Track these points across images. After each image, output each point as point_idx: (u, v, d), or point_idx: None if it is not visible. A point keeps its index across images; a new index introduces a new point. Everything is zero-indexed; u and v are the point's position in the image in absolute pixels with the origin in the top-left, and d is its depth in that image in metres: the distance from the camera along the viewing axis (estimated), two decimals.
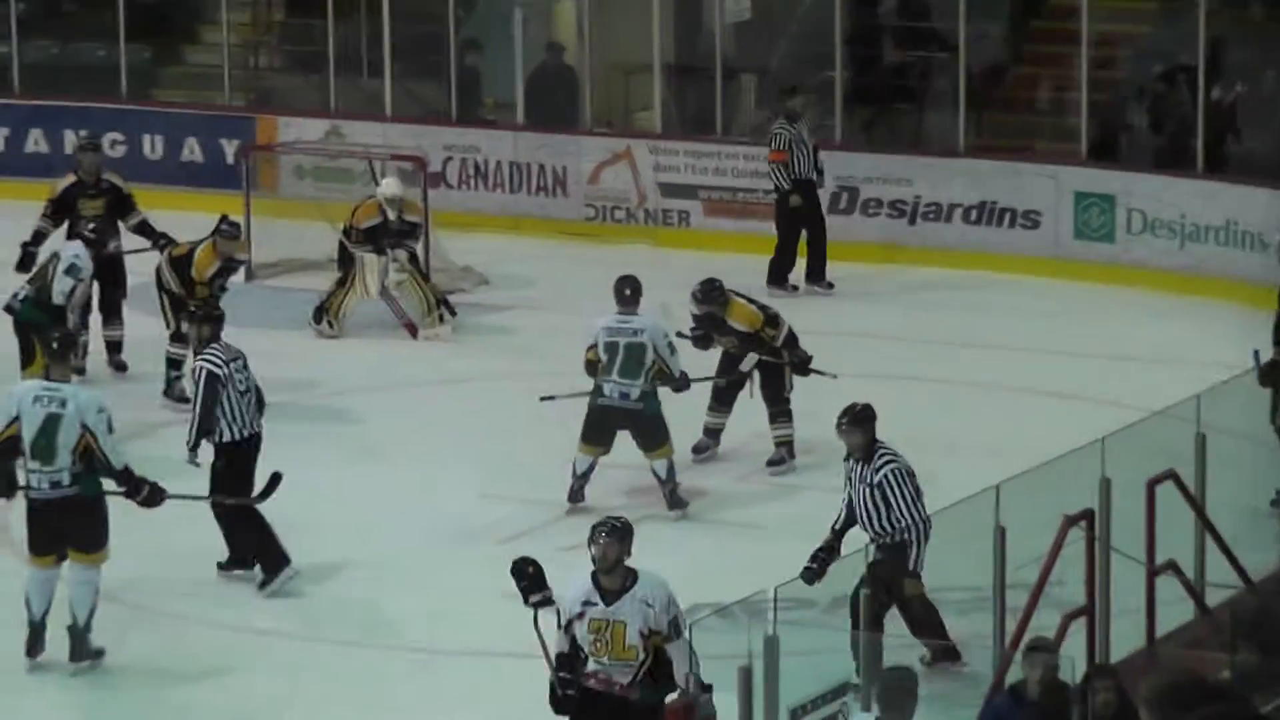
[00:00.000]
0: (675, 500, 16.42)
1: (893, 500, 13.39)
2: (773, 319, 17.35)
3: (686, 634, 10.81)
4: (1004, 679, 11.33)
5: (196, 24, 28.14)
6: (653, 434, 16.72)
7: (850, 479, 13.59)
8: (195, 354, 16.19)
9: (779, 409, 17.17)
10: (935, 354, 21.17)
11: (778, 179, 21.64)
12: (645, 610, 10.74)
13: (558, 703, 10.83)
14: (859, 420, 13.64)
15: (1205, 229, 22.47)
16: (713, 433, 17.53)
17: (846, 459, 13.81)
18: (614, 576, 10.76)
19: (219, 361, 15.83)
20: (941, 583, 13.69)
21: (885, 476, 13.43)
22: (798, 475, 17.63)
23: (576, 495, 16.52)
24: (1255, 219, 21.93)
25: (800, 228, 21.40)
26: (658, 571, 11.37)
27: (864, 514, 13.52)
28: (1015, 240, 23.54)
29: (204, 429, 15.68)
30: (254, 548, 15.76)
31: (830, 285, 21.54)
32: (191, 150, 25.48)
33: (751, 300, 17.69)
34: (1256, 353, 16.24)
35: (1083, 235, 23.22)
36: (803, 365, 17.22)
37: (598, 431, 16.75)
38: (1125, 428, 13.94)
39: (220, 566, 15.58)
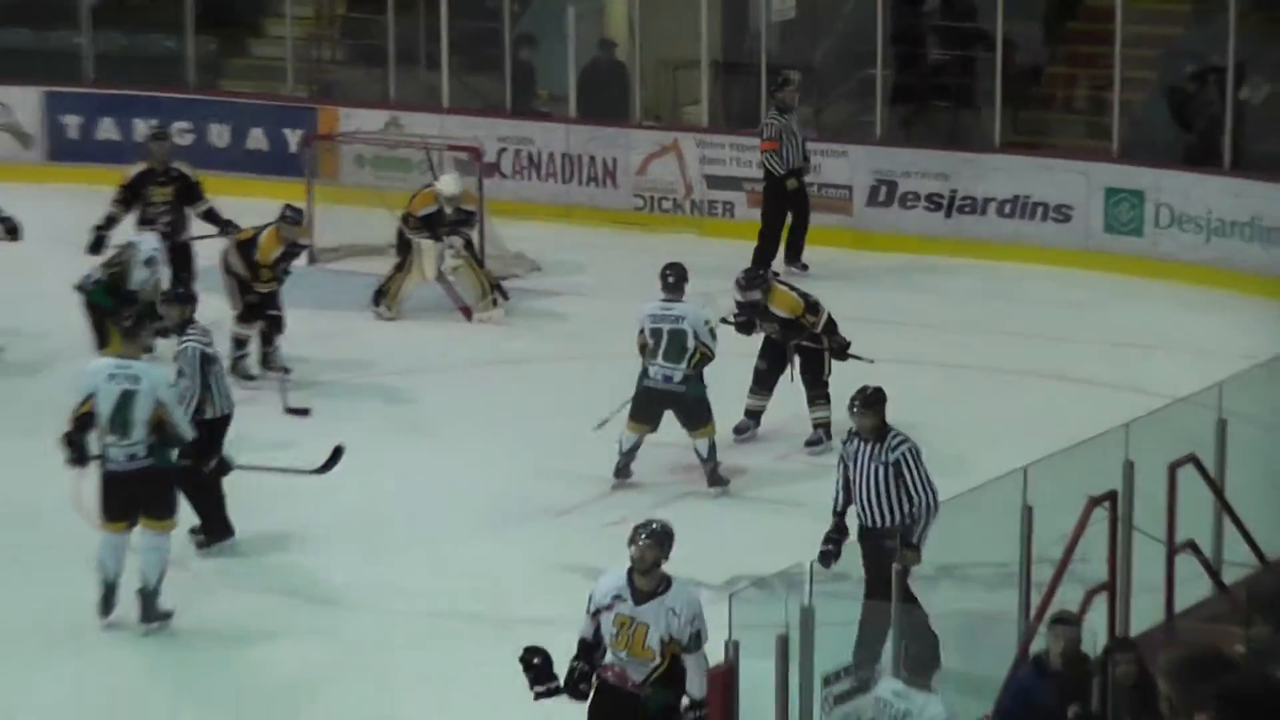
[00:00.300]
0: (716, 478, 16.64)
1: (908, 477, 13.58)
2: (813, 306, 17.52)
3: (704, 649, 10.99)
4: (1028, 650, 11.54)
5: (261, 17, 28.32)
6: (695, 415, 16.94)
7: (856, 460, 13.78)
8: (177, 334, 16.32)
9: (817, 392, 17.32)
10: (968, 341, 21.22)
11: (770, 166, 21.93)
12: (670, 618, 10.94)
13: (572, 688, 11.06)
14: (870, 403, 13.80)
15: (1231, 224, 22.37)
16: (753, 414, 17.67)
17: (848, 441, 14.03)
18: (649, 579, 10.97)
19: (207, 342, 16.05)
20: (971, 559, 14.13)
21: (903, 455, 13.62)
22: (834, 455, 17.74)
23: (623, 471, 16.70)
24: (1279, 215, 22.01)
25: (786, 213, 21.75)
26: (692, 586, 11.68)
27: (875, 492, 13.67)
28: (1047, 233, 23.51)
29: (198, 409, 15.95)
30: (208, 513, 15.96)
31: (805, 267, 21.81)
32: (256, 139, 25.60)
33: (793, 288, 17.77)
34: None
35: (1112, 229, 23.12)
36: (841, 350, 17.43)
37: (644, 411, 16.89)
38: (1149, 413, 14.25)
39: (200, 545, 15.78)
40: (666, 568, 11.51)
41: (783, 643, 10.73)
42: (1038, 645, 11.48)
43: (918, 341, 20.46)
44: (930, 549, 13.52)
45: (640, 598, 10.97)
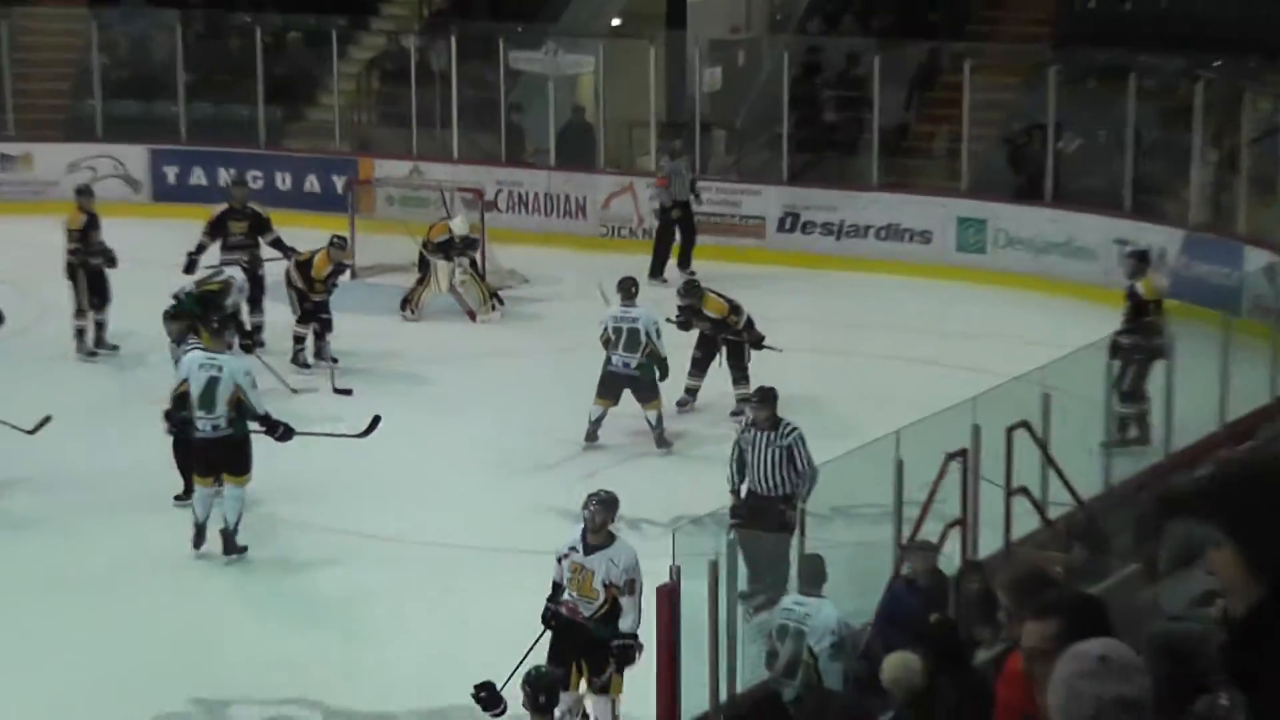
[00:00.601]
0: (662, 441, 17.04)
1: (797, 457, 13.88)
2: (736, 308, 17.83)
3: (638, 595, 11.38)
4: (899, 570, 11.94)
5: (315, 90, 27.98)
6: (646, 392, 17.30)
7: (754, 445, 14.08)
8: (178, 344, 16.58)
9: (740, 374, 17.63)
10: (855, 335, 21.43)
11: (661, 197, 22.22)
12: (610, 567, 11.35)
13: (544, 619, 11.41)
14: (766, 399, 14.13)
15: (1052, 244, 22.26)
16: (691, 391, 18.00)
17: (746, 430, 14.34)
18: (597, 536, 11.41)
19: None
20: (857, 502, 14.33)
21: (794, 440, 13.92)
22: None
23: (591, 436, 17.11)
24: (1089, 238, 21.94)
25: (673, 234, 22.12)
26: (631, 547, 12.05)
27: (770, 469, 14.03)
28: (914, 252, 22.95)
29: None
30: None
31: (693, 273, 21.34)
32: (311, 184, 25.51)
33: (720, 294, 18.05)
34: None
35: (963, 249, 22.69)
36: (757, 343, 17.73)
37: (608, 390, 17.22)
38: (991, 389, 14.49)
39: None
40: (626, 511, 12.27)
41: (714, 567, 11.11)
42: (907, 568, 11.88)
43: (817, 335, 20.72)
44: (827, 494, 13.72)
45: (589, 550, 11.40)
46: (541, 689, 10.26)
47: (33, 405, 16.96)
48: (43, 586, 14.86)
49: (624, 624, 11.52)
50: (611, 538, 11.75)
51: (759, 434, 14.21)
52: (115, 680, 13.49)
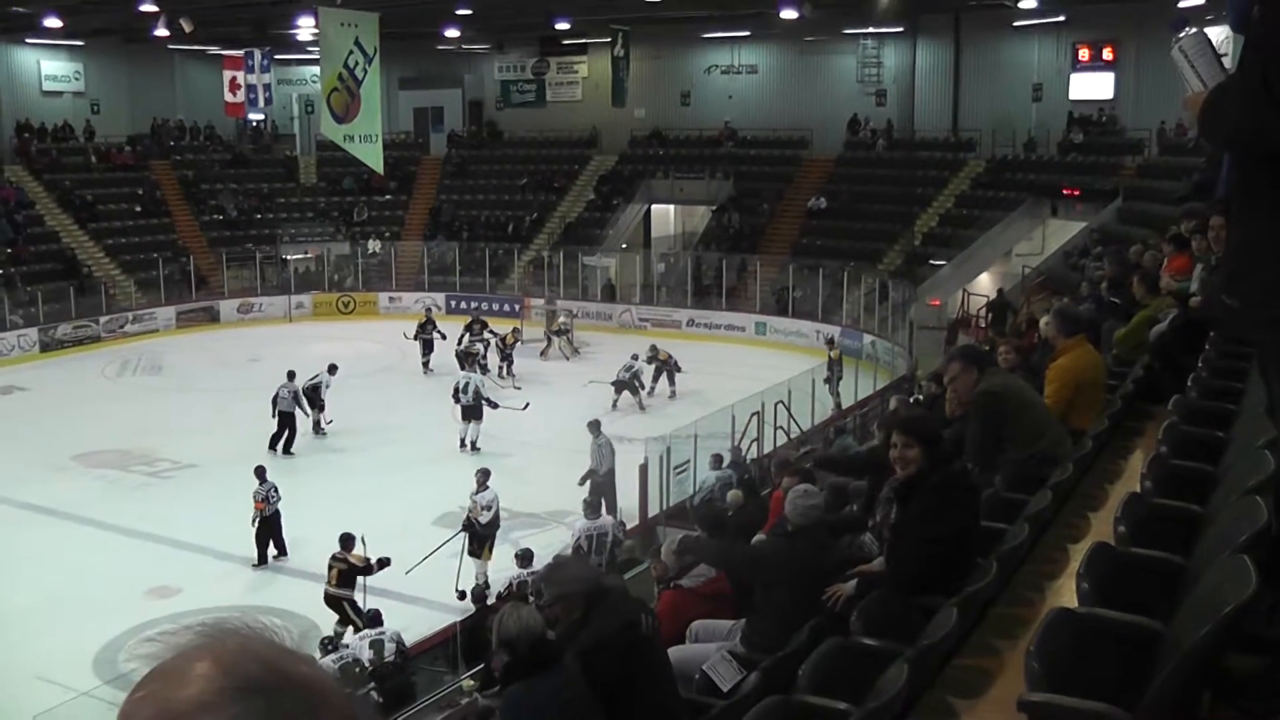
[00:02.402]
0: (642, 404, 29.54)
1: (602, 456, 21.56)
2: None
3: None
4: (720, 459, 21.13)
5: (510, 262, 45.73)
6: (632, 389, 29.86)
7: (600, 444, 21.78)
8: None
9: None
10: (718, 370, 32.92)
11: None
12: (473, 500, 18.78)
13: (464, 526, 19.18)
14: (593, 427, 22.02)
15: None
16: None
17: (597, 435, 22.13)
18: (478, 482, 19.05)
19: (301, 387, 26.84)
20: (717, 443, 22.67)
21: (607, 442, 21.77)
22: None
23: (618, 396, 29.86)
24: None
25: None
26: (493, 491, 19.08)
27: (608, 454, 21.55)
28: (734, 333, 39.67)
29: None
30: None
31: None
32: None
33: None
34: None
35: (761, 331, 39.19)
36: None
37: (618, 385, 29.76)
38: (769, 387, 25.25)
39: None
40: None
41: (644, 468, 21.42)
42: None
43: (704, 371, 32.14)
44: (713, 427, 23.02)
45: (479, 489, 18.99)
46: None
47: None
48: None
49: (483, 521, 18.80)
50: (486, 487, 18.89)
51: (602, 436, 22.04)
52: None
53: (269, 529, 19.97)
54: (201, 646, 1.21)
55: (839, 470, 11.30)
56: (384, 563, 17.21)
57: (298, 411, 26.84)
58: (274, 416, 26.58)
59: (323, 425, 27.65)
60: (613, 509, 20.03)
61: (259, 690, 1.17)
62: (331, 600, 17.24)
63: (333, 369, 27.91)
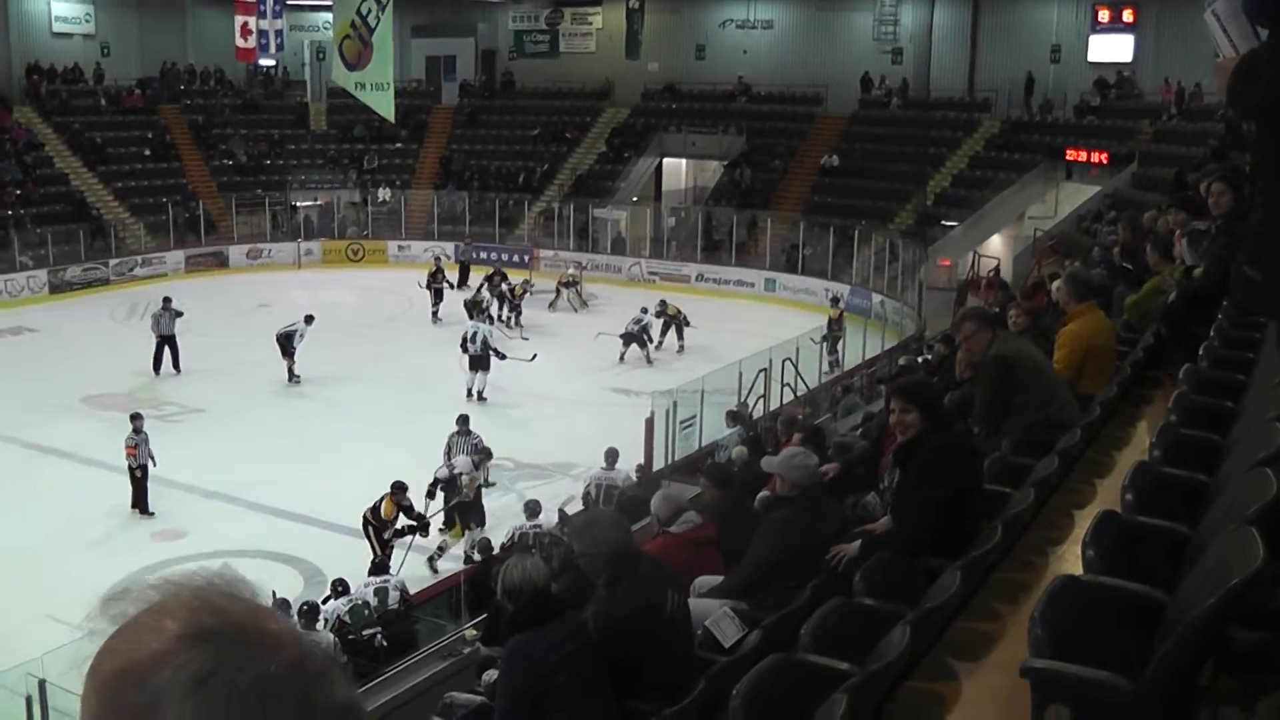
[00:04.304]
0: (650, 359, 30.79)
1: None
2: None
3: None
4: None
5: (520, 214, 45.88)
6: (639, 341, 29.94)
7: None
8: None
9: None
10: (726, 325, 33.28)
11: None
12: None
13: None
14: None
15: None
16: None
17: None
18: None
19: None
20: (723, 398, 22.79)
21: None
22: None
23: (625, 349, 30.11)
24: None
25: None
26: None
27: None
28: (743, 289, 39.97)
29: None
30: None
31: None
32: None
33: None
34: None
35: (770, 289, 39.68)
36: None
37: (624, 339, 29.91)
38: (777, 344, 25.29)
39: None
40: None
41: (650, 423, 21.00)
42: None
43: (712, 327, 32.23)
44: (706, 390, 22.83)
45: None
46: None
47: None
48: None
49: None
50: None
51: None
52: None
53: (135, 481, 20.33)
54: (162, 603, 1.29)
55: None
56: (421, 524, 17.87)
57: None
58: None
59: (294, 373, 28.13)
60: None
61: (211, 637, 1.24)
62: (370, 525, 17.58)
63: (309, 319, 28.19)
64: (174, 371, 28.45)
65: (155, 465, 20.12)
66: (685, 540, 8.41)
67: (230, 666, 1.23)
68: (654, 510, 9.01)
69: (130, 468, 19.95)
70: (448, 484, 18.65)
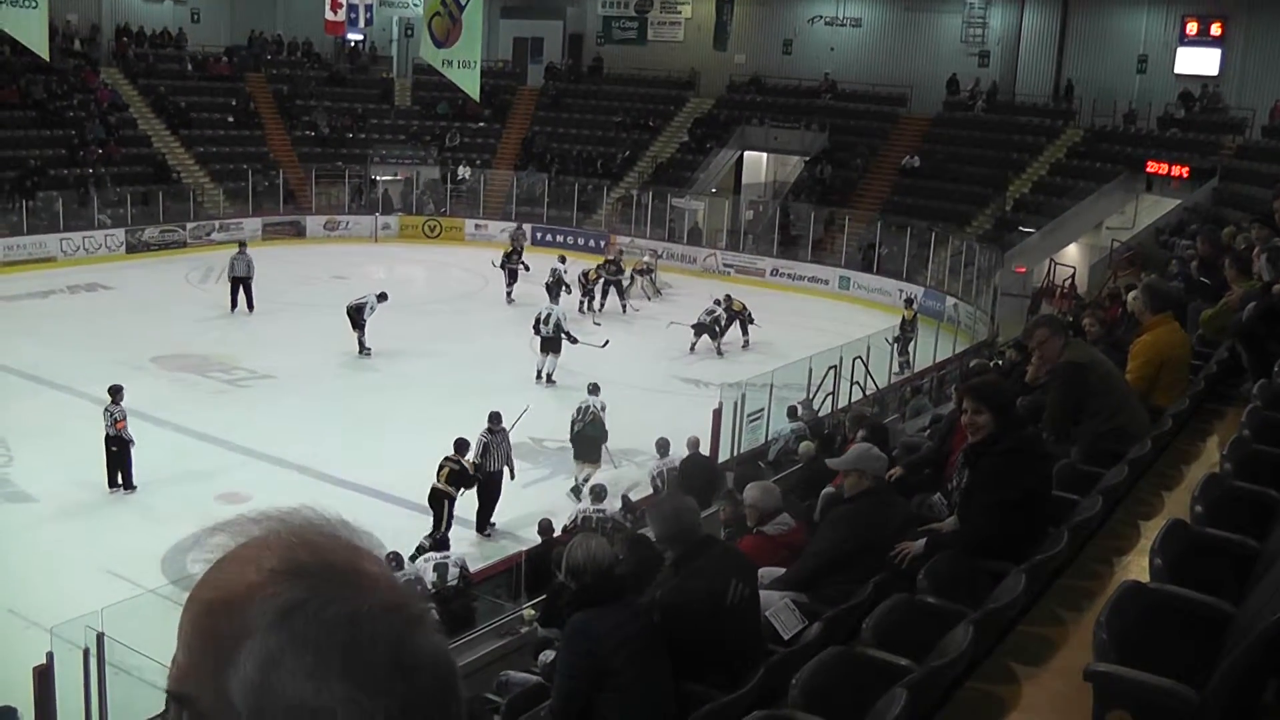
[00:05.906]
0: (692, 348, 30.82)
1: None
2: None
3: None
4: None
5: (599, 200, 45.97)
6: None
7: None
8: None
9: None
10: (798, 322, 33.35)
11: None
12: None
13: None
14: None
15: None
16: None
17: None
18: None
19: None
20: (793, 392, 23.14)
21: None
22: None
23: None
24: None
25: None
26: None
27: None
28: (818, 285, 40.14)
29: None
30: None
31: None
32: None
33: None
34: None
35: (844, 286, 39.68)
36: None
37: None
38: (848, 343, 25.60)
39: None
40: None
41: (717, 415, 21.34)
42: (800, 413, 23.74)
43: (783, 322, 32.21)
44: (790, 378, 23.59)
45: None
46: None
47: None
48: None
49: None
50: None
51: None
52: None
53: (122, 455, 19.89)
54: (262, 538, 1.30)
55: None
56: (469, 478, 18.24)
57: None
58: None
59: (365, 345, 28.09)
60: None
61: (304, 574, 1.25)
62: (435, 496, 17.99)
63: (382, 296, 28.17)
64: (247, 312, 30.90)
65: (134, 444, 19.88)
66: (778, 543, 8.33)
67: (319, 601, 1.24)
68: (749, 500, 8.77)
69: (124, 440, 19.56)
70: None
